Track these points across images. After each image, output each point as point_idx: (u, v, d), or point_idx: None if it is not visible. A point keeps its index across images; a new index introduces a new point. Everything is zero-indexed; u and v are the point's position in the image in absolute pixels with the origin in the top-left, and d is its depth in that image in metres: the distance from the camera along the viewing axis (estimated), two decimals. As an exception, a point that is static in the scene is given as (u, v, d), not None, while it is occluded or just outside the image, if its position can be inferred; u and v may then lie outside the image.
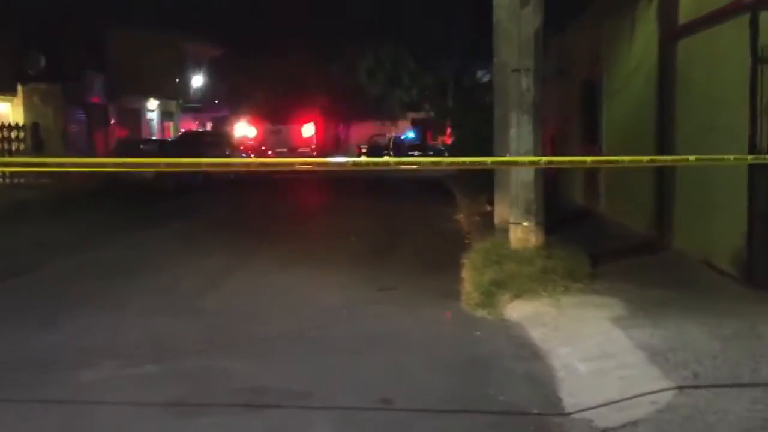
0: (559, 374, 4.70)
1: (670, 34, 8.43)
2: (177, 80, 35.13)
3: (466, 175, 18.94)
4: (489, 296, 6.47)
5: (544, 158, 4.81)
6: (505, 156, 8.87)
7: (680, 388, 4.08)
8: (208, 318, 6.29)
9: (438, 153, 45.01)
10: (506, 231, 8.95)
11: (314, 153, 43.04)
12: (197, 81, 37.77)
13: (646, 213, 9.42)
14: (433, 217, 14.05)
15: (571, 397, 4.31)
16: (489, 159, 5.18)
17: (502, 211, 9.17)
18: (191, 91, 37.47)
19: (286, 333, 5.84)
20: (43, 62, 24.13)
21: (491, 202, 13.18)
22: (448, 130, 50.63)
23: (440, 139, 53.07)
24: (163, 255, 9.47)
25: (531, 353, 5.22)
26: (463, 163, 4.89)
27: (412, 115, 52.73)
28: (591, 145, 12.53)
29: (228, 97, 41.56)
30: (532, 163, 5.58)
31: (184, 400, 4.39)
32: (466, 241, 10.77)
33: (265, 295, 7.16)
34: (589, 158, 5.16)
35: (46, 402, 4.42)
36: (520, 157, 4.72)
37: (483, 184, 14.22)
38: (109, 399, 4.44)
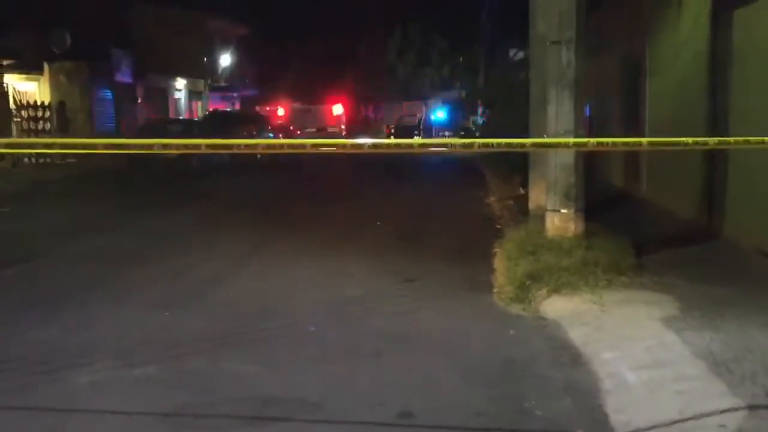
0: (604, 384, 4.15)
1: (725, 1, 7.71)
2: (205, 59, 34.77)
3: (499, 156, 18.32)
4: (524, 290, 5.92)
5: (593, 140, 4.20)
6: (542, 136, 8.29)
7: (751, 408, 3.51)
8: (218, 312, 5.83)
9: (469, 133, 44.18)
10: (541, 217, 8.37)
11: (343, 133, 42.50)
12: (225, 60, 37.36)
13: (694, 197, 8.75)
14: (463, 200, 13.47)
15: (620, 414, 3.76)
16: (528, 140, 4.59)
17: (537, 196, 8.56)
18: (219, 71, 37.10)
19: (300, 331, 5.35)
20: (69, 40, 23.88)
21: (525, 185, 12.60)
22: (479, 110, 49.89)
23: (471, 118, 52.28)
24: (180, 240, 9.05)
25: (571, 358, 4.67)
26: (498, 145, 4.31)
27: (443, 94, 51.91)
28: (632, 124, 11.82)
29: (256, 77, 41.14)
30: (577, 145, 4.98)
31: (183, 410, 3.93)
32: (498, 227, 10.21)
33: (281, 286, 6.68)
34: (644, 140, 4.55)
35: (32, 409, 3.99)
36: (563, 138, 4.15)
37: (516, 165, 13.58)
38: (102, 406, 4.00)
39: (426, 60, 47.37)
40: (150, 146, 3.78)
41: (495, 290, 6.34)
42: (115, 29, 26.20)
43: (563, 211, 6.60)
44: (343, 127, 43.82)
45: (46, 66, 23.74)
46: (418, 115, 47.45)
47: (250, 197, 13.95)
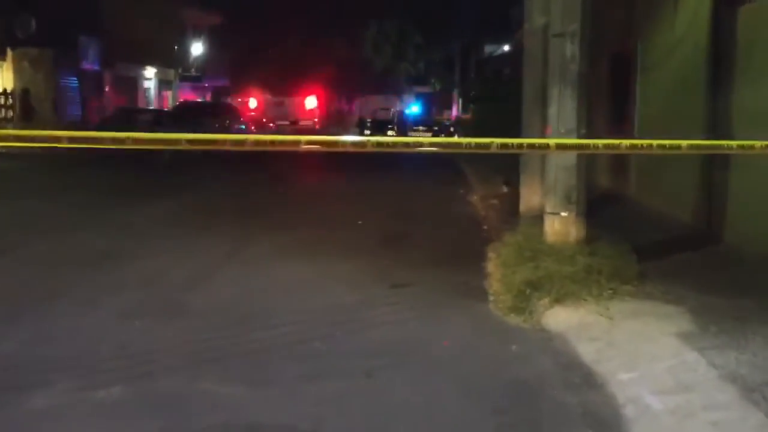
0: (626, 412, 3.76)
1: (728, -3, 7.40)
2: (175, 48, 33.94)
3: (478, 153, 17.96)
4: (523, 300, 5.53)
5: (601, 141, 3.81)
6: (536, 135, 7.92)
7: (799, 445, 3.15)
8: (194, 321, 5.34)
9: (443, 128, 43.85)
10: (533, 219, 8.03)
11: (317, 126, 41.95)
12: (197, 49, 36.54)
13: (691, 199, 8.44)
14: (444, 199, 13.06)
15: (648, 448, 3.37)
16: (526, 140, 4.14)
17: (528, 197, 8.21)
18: (190, 60, 36.27)
19: (284, 344, 4.89)
20: (34, 25, 23.01)
21: (508, 183, 12.23)
22: (454, 105, 49.65)
23: (446, 113, 52.01)
24: (151, 239, 8.47)
25: (584, 378, 4.27)
26: (491, 145, 3.88)
27: (417, 89, 51.60)
28: (620, 124, 11.51)
29: (228, 67, 40.35)
30: (580, 147, 4.56)
31: (155, 442, 3.45)
32: (484, 227, 9.84)
33: (262, 293, 6.19)
34: (655, 141, 4.14)
35: (-20, 440, 3.48)
36: (568, 139, 3.75)
37: (497, 163, 13.22)
38: (61, 436, 3.51)
39: (402, 54, 46.96)
40: (122, 140, 3.29)
41: (491, 298, 5.94)
42: (84, 15, 25.30)
43: (563, 214, 6.21)
44: (316, 120, 43.28)
45: (9, 52, 22.83)
46: (392, 109, 46.99)
47: (225, 192, 13.36)
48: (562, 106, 6.05)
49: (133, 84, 31.04)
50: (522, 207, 8.19)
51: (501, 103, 12.28)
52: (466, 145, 3.49)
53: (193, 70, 36.46)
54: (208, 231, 8.99)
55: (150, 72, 32.30)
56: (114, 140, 3.30)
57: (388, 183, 15.12)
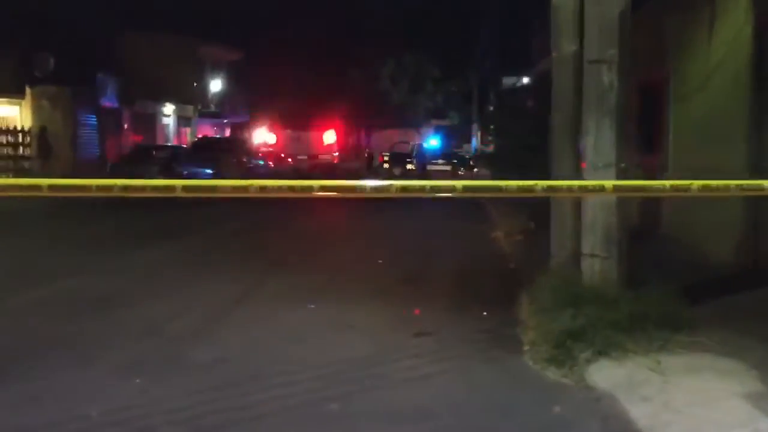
0: (696, 495, 3.19)
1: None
2: (194, 84, 33.98)
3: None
4: (563, 351, 4.98)
5: (669, 182, 3.24)
6: (567, 169, 7.39)
7: None
8: (198, 377, 4.83)
9: (462, 161, 43.43)
10: (567, 259, 7.47)
11: (335, 161, 41.70)
12: (215, 85, 36.59)
13: (733, 235, 7.86)
14: (466, 235, 12.54)
15: None
16: (576, 183, 3.55)
17: (561, 234, 7.64)
18: (209, 96, 36.30)
19: (296, 405, 4.37)
20: (52, 64, 23.02)
21: (534, 218, 11.70)
22: (473, 138, 49.28)
23: (464, 146, 51.61)
24: (157, 283, 8.00)
25: (640, 449, 3.71)
26: (536, 188, 3.38)
27: (435, 122, 51.35)
28: (651, 156, 10.96)
29: (247, 103, 40.38)
30: (638, 189, 3.93)
31: None
32: (511, 267, 9.31)
33: (272, 343, 5.68)
34: (733, 182, 3.55)
35: None
36: (626, 181, 3.15)
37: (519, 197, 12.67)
38: None
39: (419, 87, 46.82)
40: (109, 188, 2.84)
41: (526, 348, 5.40)
42: (102, 52, 25.34)
43: (603, 255, 5.67)
44: (335, 154, 43.04)
45: (27, 90, 22.80)
46: (411, 143, 46.70)
47: (237, 231, 12.86)
48: (600, 138, 5.56)
49: (152, 121, 31.01)
50: (554, 246, 7.60)
51: (525, 136, 11.81)
52: (505, 188, 3.00)
53: (212, 106, 36.46)
54: (215, 274, 8.51)
55: (169, 109, 32.30)
56: (100, 188, 2.85)
57: (406, 217, 14.63)
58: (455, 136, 52.12)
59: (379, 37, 43.03)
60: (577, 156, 7.63)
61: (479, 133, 49.57)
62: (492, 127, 18.73)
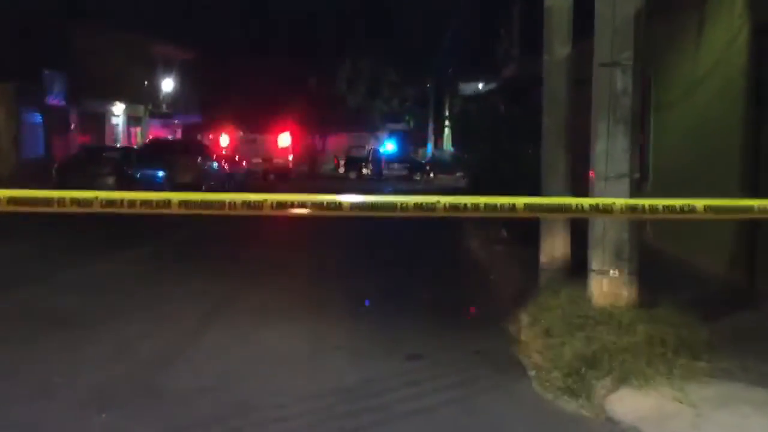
0: None
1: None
2: (145, 83, 32.87)
3: (469, 190, 17.09)
4: (578, 379, 4.56)
5: (695, 202, 2.82)
6: (558, 176, 7.05)
7: None
8: (171, 410, 4.27)
9: (417, 166, 43.15)
10: (556, 273, 7.14)
11: (290, 165, 40.92)
12: (167, 85, 35.48)
13: (724, 250, 7.59)
14: (438, 244, 12.11)
15: None
16: (586, 200, 3.13)
17: (551, 247, 7.30)
18: (161, 96, 35.19)
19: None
20: (-5, 58, 21.78)
21: (507, 226, 11.36)
22: (429, 142, 49.10)
23: (420, 151, 51.36)
24: (121, 297, 7.36)
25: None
26: (538, 207, 2.94)
27: (391, 126, 51.00)
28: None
29: (200, 104, 39.33)
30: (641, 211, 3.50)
31: None
32: (492, 278, 8.92)
33: (255, 368, 5.14)
34: (756, 202, 3.17)
35: None
36: (663, 200, 2.78)
37: (486, 195, 12.21)
38: None
39: (376, 91, 46.42)
40: (88, 202, 2.30)
41: (531, 373, 4.98)
42: (49, 48, 24.17)
43: (613, 273, 5.29)
44: (290, 158, 42.26)
45: (-33, 86, 21.59)
46: (366, 147, 46.26)
47: (200, 238, 12.11)
48: (612, 146, 5.18)
49: (101, 121, 29.82)
50: (543, 258, 7.27)
51: (501, 142, 11.45)
52: (505, 206, 2.52)
53: (164, 106, 35.34)
54: (182, 287, 7.89)
55: (119, 108, 31.13)
56: (78, 202, 2.31)
57: (373, 224, 14.12)
58: (411, 140, 51.85)
59: (336, 40, 42.53)
60: (570, 163, 7.31)
61: (434, 138, 49.46)
62: (459, 131, 18.31)
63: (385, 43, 44.00)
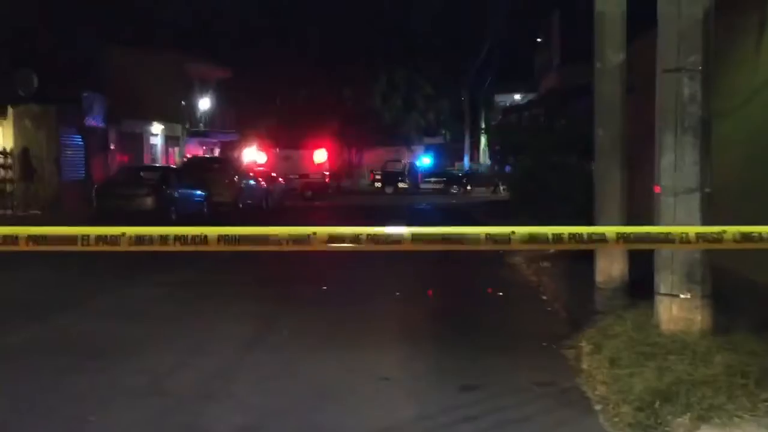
0: None
1: None
2: (182, 103, 33.10)
3: (501, 204, 16.66)
4: (652, 414, 4.16)
5: None
6: (615, 190, 6.66)
7: None
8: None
9: (454, 180, 42.76)
10: (614, 292, 6.73)
11: (327, 180, 40.88)
12: (204, 104, 35.72)
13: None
14: (478, 261, 11.64)
15: None
16: (691, 229, 2.73)
17: (608, 264, 6.89)
18: (198, 115, 35.42)
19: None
20: (36, 82, 22.04)
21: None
22: (466, 156, 48.67)
23: (457, 164, 50.93)
24: (154, 324, 7.11)
25: None
26: (634, 237, 2.57)
27: (427, 140, 50.71)
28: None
29: (237, 121, 39.53)
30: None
31: None
32: (544, 298, 8.51)
33: (302, 403, 4.83)
34: None
35: None
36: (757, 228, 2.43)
37: (531, 211, 11.71)
38: None
39: (411, 105, 46.21)
40: (115, 239, 2.02)
41: (597, 408, 4.58)
42: (87, 71, 24.42)
43: (684, 296, 4.88)
44: (326, 173, 42.22)
45: (10, 109, 21.82)
46: (403, 161, 46.06)
47: (235, 262, 11.71)
48: (680, 158, 4.79)
49: (140, 140, 30.06)
50: (599, 276, 6.86)
51: (547, 154, 11.04)
52: (593, 237, 2.19)
53: (200, 124, 35.57)
54: (219, 312, 7.64)
55: (156, 128, 31.37)
56: (101, 239, 2.03)
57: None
58: (447, 154, 51.51)
59: (371, 53, 42.46)
60: (625, 177, 6.91)
61: (471, 151, 49.02)
62: (496, 143, 17.93)
63: (421, 55, 43.82)
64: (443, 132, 51.47)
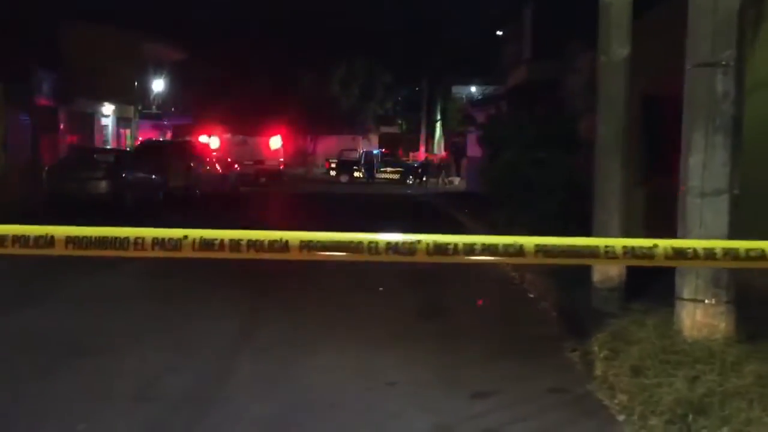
0: None
1: None
2: (135, 84, 32.04)
3: (463, 197, 16.51)
4: (684, 428, 3.96)
5: None
6: (616, 187, 6.49)
7: None
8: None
9: (409, 170, 42.50)
10: (611, 292, 6.56)
11: (281, 167, 40.23)
12: (158, 85, 34.67)
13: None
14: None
15: None
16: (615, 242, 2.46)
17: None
18: (151, 97, 34.37)
19: None
20: (-19, 57, 20.87)
21: (532, 228, 10.73)
22: (422, 146, 48.54)
23: (412, 155, 50.73)
24: (128, 316, 6.69)
25: None
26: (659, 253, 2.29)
27: (384, 129, 50.42)
28: (673, 175, 9.99)
29: (191, 105, 38.53)
30: None
31: None
32: (532, 296, 8.32)
33: (306, 411, 4.49)
34: None
35: None
36: None
37: (510, 207, 11.46)
38: None
39: (370, 93, 45.82)
40: (177, 244, 1.67)
41: (621, 418, 4.37)
42: (38, 47, 23.30)
43: (708, 301, 4.70)
44: (281, 160, 41.55)
45: (-48, 86, 20.67)
46: (359, 150, 45.64)
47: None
48: (710, 158, 4.60)
49: (90, 121, 28.94)
50: (597, 275, 6.67)
51: (531, 148, 10.81)
52: (639, 251, 1.92)
53: (154, 107, 34.52)
54: (199, 304, 7.23)
55: (108, 108, 30.26)
56: (158, 243, 1.67)
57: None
58: (404, 144, 51.30)
59: (329, 40, 41.88)
60: (627, 176, 6.74)
61: (426, 142, 48.89)
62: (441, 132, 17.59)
63: (379, 43, 43.44)
64: (399, 122, 51.28)
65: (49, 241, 1.71)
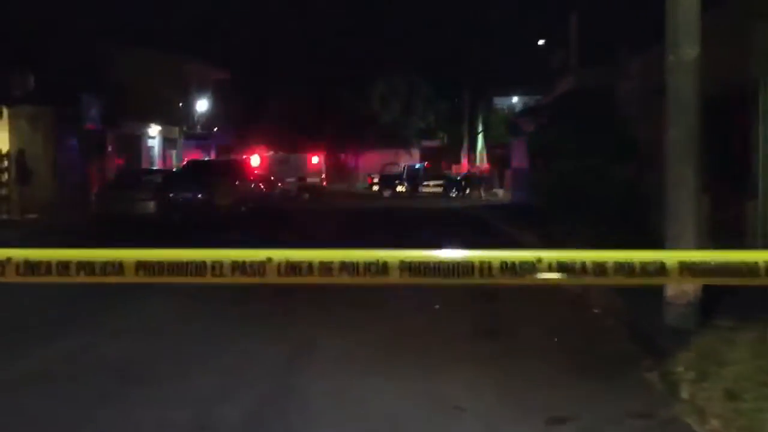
0: None
1: None
2: (180, 105, 32.41)
3: (511, 209, 16.12)
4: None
5: None
6: (689, 194, 6.11)
7: None
8: None
9: (453, 183, 42.06)
10: (687, 308, 6.15)
11: (324, 183, 40.29)
12: (201, 106, 35.03)
13: None
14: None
15: None
16: None
17: (681, 278, 6.28)
18: (195, 117, 34.74)
19: None
20: (32, 82, 21.30)
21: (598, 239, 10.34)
22: (464, 158, 48.12)
23: (454, 167, 50.26)
24: (179, 344, 6.48)
25: None
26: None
27: (425, 143, 50.14)
28: (729, 180, 9.65)
29: (234, 124, 38.88)
30: None
31: None
32: (596, 312, 7.91)
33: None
34: None
35: None
36: None
37: (566, 218, 11.13)
38: None
39: (410, 108, 45.67)
40: (259, 267, 1.42)
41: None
42: (85, 71, 23.67)
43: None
44: (323, 177, 41.61)
45: (4, 110, 21.06)
46: (401, 164, 45.41)
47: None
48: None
49: (137, 143, 29.34)
50: (670, 291, 6.27)
51: (589, 157, 10.40)
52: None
53: (198, 127, 34.87)
54: (248, 327, 7.00)
55: (154, 130, 30.66)
56: (238, 267, 1.42)
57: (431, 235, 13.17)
58: (446, 156, 50.91)
59: (369, 56, 41.94)
60: (700, 183, 6.36)
61: (468, 154, 48.42)
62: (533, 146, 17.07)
63: (419, 58, 43.34)
64: (441, 135, 50.95)
65: (118, 267, 1.48)
